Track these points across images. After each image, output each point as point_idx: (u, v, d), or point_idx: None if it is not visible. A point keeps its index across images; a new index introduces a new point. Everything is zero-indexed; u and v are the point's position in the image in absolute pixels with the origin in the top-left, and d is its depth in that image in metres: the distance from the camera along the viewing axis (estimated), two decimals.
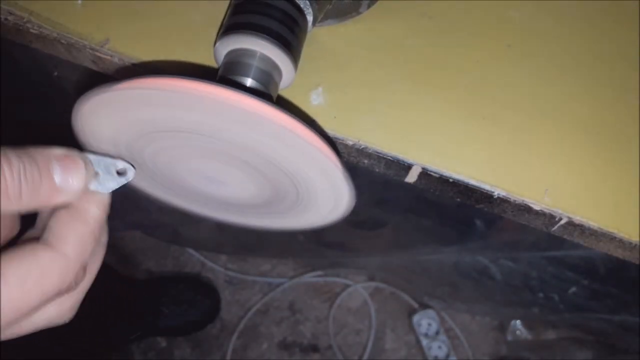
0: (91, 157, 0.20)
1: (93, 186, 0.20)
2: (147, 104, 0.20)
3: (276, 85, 0.28)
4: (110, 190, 0.21)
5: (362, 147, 0.31)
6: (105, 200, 0.21)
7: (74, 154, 0.19)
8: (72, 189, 0.19)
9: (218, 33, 0.28)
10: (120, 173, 0.21)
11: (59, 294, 0.19)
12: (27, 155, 0.18)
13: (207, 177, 0.27)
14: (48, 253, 0.19)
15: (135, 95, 0.20)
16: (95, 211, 0.20)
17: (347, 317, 1.01)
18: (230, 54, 0.27)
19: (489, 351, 0.99)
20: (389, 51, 0.34)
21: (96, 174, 0.21)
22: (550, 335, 0.94)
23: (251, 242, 0.95)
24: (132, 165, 0.21)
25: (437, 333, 0.97)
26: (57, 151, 0.19)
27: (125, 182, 0.21)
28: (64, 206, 0.20)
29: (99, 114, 0.22)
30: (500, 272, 0.75)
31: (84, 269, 0.20)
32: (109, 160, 0.21)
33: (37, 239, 0.19)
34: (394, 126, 0.32)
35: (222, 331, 0.99)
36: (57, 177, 0.19)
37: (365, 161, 0.32)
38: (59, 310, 0.20)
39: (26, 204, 0.18)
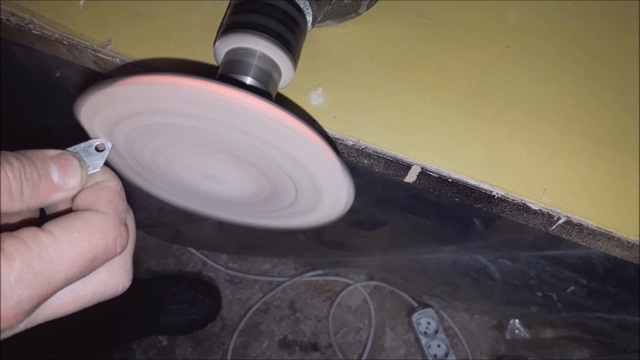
0: (70, 149, 0.22)
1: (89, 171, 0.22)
2: (146, 100, 0.21)
3: (275, 84, 0.28)
4: (98, 169, 0.22)
5: (362, 147, 0.31)
6: (109, 171, 0.22)
7: (67, 153, 0.21)
8: (70, 186, 0.20)
9: (218, 32, 0.28)
10: (98, 149, 0.23)
11: (107, 249, 0.20)
12: (25, 157, 0.19)
13: (207, 175, 0.27)
14: (87, 212, 0.20)
15: (135, 92, 0.20)
16: (110, 181, 0.22)
17: (347, 315, 1.01)
18: (230, 52, 0.27)
19: (488, 350, 0.99)
20: (389, 52, 0.34)
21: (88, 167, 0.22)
22: (549, 334, 0.94)
23: (252, 242, 0.96)
24: (106, 142, 0.23)
25: (436, 332, 0.98)
26: (52, 152, 0.20)
27: (107, 153, 0.23)
28: (63, 202, 0.21)
29: (97, 112, 0.22)
30: (499, 271, 0.75)
31: (124, 224, 0.21)
32: (83, 144, 0.23)
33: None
34: (394, 126, 0.32)
35: (223, 330, 0.99)
36: (55, 176, 0.20)
37: (365, 161, 0.32)
38: (110, 274, 0.21)
39: (27, 202, 0.19)
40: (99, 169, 0.22)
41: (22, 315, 0.17)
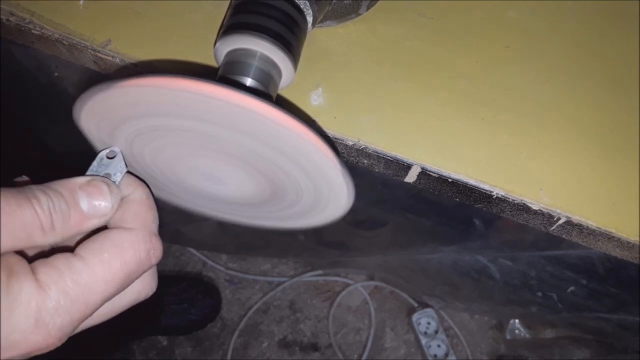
0: (89, 173, 0.22)
1: (115, 181, 0.22)
2: (146, 102, 0.21)
3: (276, 85, 0.28)
4: (125, 170, 0.22)
5: (362, 147, 0.31)
6: (132, 179, 0.22)
7: (95, 179, 0.21)
8: (100, 213, 0.20)
9: (218, 33, 0.28)
10: (110, 157, 0.23)
11: (140, 263, 0.20)
12: (52, 190, 0.19)
13: (207, 176, 0.27)
14: (114, 230, 0.20)
15: (135, 94, 0.20)
16: (136, 192, 0.22)
17: (347, 316, 1.01)
18: (230, 53, 0.27)
19: (488, 350, 0.99)
20: (389, 52, 0.34)
21: (107, 175, 0.22)
22: (549, 334, 0.94)
23: (252, 242, 0.96)
24: (111, 147, 0.23)
25: (436, 332, 0.98)
26: (79, 180, 0.20)
27: (121, 155, 0.23)
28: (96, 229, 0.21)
29: (97, 113, 0.22)
30: (499, 272, 0.75)
31: (154, 234, 0.21)
32: (96, 161, 0.23)
33: None
34: (394, 126, 0.32)
35: (222, 330, 0.99)
36: (84, 205, 0.20)
37: (365, 161, 0.32)
38: (142, 283, 0.22)
39: (60, 235, 0.19)
40: (125, 170, 0.22)
41: (65, 337, 0.18)
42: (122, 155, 0.23)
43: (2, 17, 0.33)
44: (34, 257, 0.20)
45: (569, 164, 0.32)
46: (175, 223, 0.89)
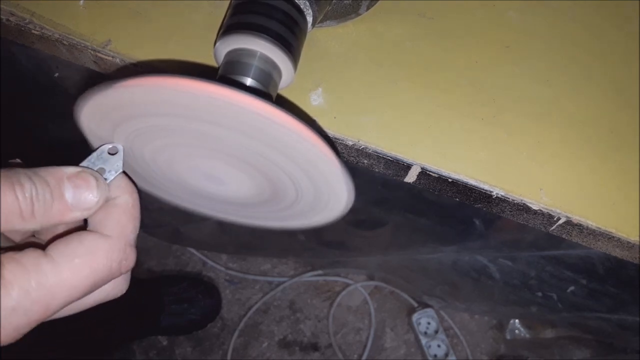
0: (84, 164, 0.22)
1: (108, 178, 0.22)
2: (146, 102, 0.21)
3: (276, 85, 0.28)
4: (121, 170, 0.22)
5: (362, 147, 0.31)
6: (125, 183, 0.22)
7: (85, 171, 0.20)
8: (85, 206, 0.20)
9: (218, 33, 0.28)
10: (111, 153, 0.23)
11: (111, 272, 0.20)
12: (38, 176, 0.19)
13: (207, 176, 0.27)
14: (91, 235, 0.20)
15: (134, 94, 0.20)
16: (123, 197, 0.22)
17: (347, 316, 1.01)
18: (230, 53, 0.27)
19: (488, 350, 0.99)
20: (389, 52, 0.34)
21: (101, 170, 0.22)
22: (549, 334, 0.94)
23: (252, 242, 0.96)
24: (115, 143, 0.23)
25: (436, 332, 0.98)
26: (68, 170, 0.20)
27: (122, 154, 0.23)
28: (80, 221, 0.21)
29: (98, 113, 0.22)
30: (499, 272, 0.75)
31: (130, 245, 0.21)
32: (96, 153, 0.22)
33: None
34: (394, 126, 0.32)
35: (222, 330, 0.99)
36: (69, 196, 0.20)
37: (365, 161, 0.32)
38: (111, 286, 0.22)
39: (40, 223, 0.19)
40: (120, 171, 0.22)
41: (18, 337, 0.18)
42: (123, 155, 0.23)
43: (2, 17, 0.33)
44: (6, 248, 0.19)
45: (569, 164, 0.32)
46: (175, 223, 0.89)
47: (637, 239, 0.31)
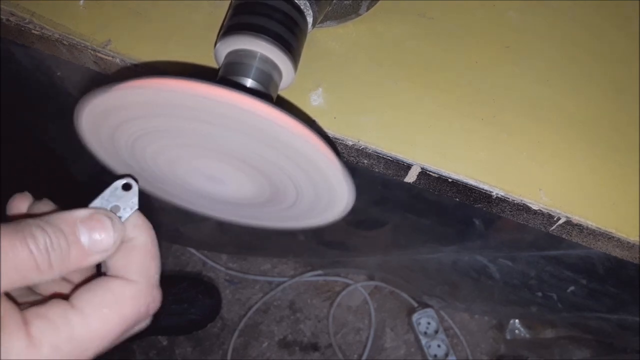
0: (97, 202, 0.21)
1: (123, 216, 0.21)
2: (147, 103, 0.21)
3: (276, 85, 0.28)
4: (136, 207, 0.21)
5: (362, 147, 0.31)
6: (141, 221, 0.21)
7: (99, 212, 0.20)
8: (102, 248, 0.19)
9: (218, 34, 0.28)
10: (125, 188, 0.21)
11: (139, 318, 0.20)
12: (50, 225, 0.18)
13: (207, 177, 0.27)
14: (116, 282, 0.19)
15: (135, 96, 0.20)
16: (141, 237, 0.21)
17: (347, 316, 1.01)
18: (231, 54, 0.27)
19: (488, 350, 0.99)
20: (389, 52, 0.34)
21: (115, 207, 0.21)
22: (549, 334, 0.94)
23: (252, 242, 0.96)
24: (128, 175, 0.22)
25: (436, 332, 0.98)
26: (81, 213, 0.19)
27: (137, 190, 0.22)
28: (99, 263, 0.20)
29: (99, 115, 0.22)
30: (499, 272, 0.75)
31: (156, 287, 0.20)
32: (109, 189, 0.21)
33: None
34: (394, 126, 0.32)
35: (222, 330, 0.99)
36: (85, 240, 0.19)
37: (365, 161, 0.32)
38: (139, 326, 0.21)
39: (58, 272, 0.18)
40: (136, 208, 0.21)
41: None
42: (138, 190, 0.21)
43: (2, 17, 0.33)
44: (30, 302, 0.19)
45: (569, 164, 0.32)
46: (175, 223, 0.89)
47: (637, 239, 0.31)
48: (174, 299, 0.94)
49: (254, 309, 1.00)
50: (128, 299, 0.19)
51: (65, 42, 0.33)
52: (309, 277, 1.03)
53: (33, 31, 0.33)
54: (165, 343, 0.97)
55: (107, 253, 0.19)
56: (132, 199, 0.21)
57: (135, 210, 0.21)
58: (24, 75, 0.56)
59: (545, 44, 0.37)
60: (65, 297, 0.19)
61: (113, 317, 0.19)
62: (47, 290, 0.21)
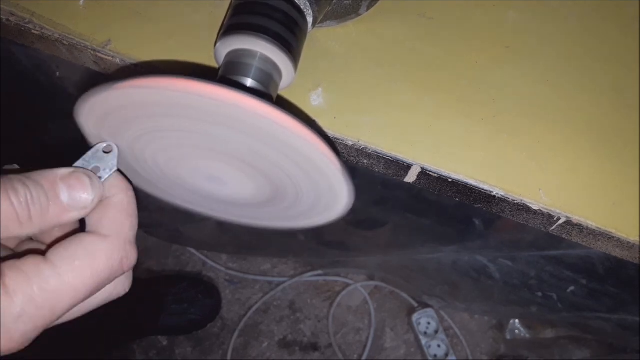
0: (78, 163, 0.22)
1: (102, 176, 0.22)
2: (146, 103, 0.21)
3: (276, 85, 0.28)
4: (115, 168, 0.22)
5: (362, 147, 0.31)
6: (119, 181, 0.22)
7: (78, 171, 0.20)
8: (81, 205, 0.20)
9: (218, 34, 0.28)
10: (106, 151, 0.23)
11: (113, 272, 0.20)
12: (31, 180, 0.19)
13: (208, 177, 0.27)
14: (89, 236, 0.20)
15: (135, 95, 0.20)
16: (119, 196, 0.22)
17: (347, 316, 1.01)
18: (231, 54, 0.27)
19: (488, 350, 0.99)
20: (389, 52, 0.34)
21: (96, 168, 0.22)
22: (549, 334, 0.94)
23: (252, 242, 0.96)
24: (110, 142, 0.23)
25: (436, 332, 0.98)
26: (62, 171, 0.20)
27: (117, 152, 0.23)
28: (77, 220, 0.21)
29: (99, 114, 0.22)
30: (499, 272, 0.75)
31: (129, 242, 0.21)
32: (90, 152, 0.22)
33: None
34: (394, 126, 0.32)
35: (222, 330, 0.99)
36: (64, 197, 0.20)
37: (365, 161, 0.32)
38: (114, 285, 0.22)
39: (37, 226, 0.19)
40: (115, 169, 0.22)
41: (27, 342, 0.18)
42: (118, 153, 0.23)
43: (2, 17, 0.33)
44: (6, 257, 0.20)
45: (568, 164, 0.32)
46: (175, 223, 0.89)
47: (637, 239, 0.31)
48: (174, 299, 0.94)
49: (254, 309, 1.00)
50: (100, 252, 0.20)
51: (65, 42, 0.33)
52: (309, 277, 1.03)
53: (33, 31, 0.33)
54: (165, 343, 0.97)
55: (85, 210, 0.20)
56: (111, 161, 0.22)
57: (115, 171, 0.22)
58: (24, 75, 0.56)
59: (545, 44, 0.37)
60: (41, 253, 0.19)
61: (85, 269, 0.19)
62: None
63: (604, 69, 0.36)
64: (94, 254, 0.19)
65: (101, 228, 0.20)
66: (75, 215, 0.20)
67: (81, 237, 0.20)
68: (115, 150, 0.23)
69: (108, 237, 0.20)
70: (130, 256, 0.21)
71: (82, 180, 0.20)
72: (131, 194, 0.22)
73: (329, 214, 0.27)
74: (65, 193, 0.20)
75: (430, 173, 0.31)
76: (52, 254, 0.19)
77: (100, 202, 0.21)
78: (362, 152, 0.31)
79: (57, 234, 0.22)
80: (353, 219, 0.79)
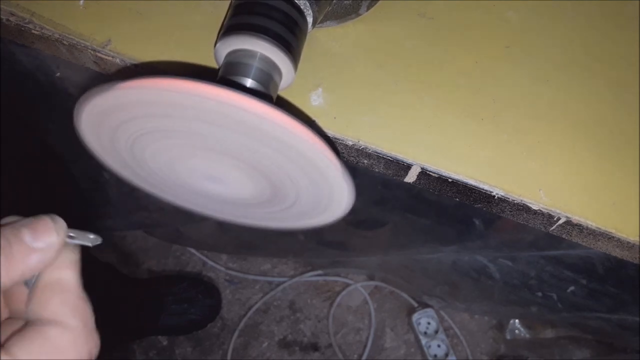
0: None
1: (73, 239, 0.21)
2: (146, 104, 0.21)
3: (276, 85, 0.28)
4: (89, 244, 0.21)
5: (362, 147, 0.31)
6: (74, 258, 0.20)
7: (41, 216, 0.19)
8: (45, 245, 0.19)
9: (218, 34, 0.28)
10: (90, 237, 0.22)
11: None
12: None
13: (207, 177, 0.27)
14: (53, 330, 0.18)
15: (135, 95, 0.20)
16: (70, 274, 0.20)
17: (347, 316, 1.01)
18: (231, 54, 0.27)
19: (488, 350, 0.99)
20: (389, 52, 0.34)
21: (70, 237, 0.21)
22: (549, 334, 0.94)
23: (252, 242, 0.96)
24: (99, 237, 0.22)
25: (436, 332, 0.98)
26: (25, 220, 0.19)
27: (96, 243, 0.22)
28: (45, 266, 0.19)
29: (99, 115, 0.22)
30: (498, 272, 0.75)
31: (93, 329, 0.20)
32: (80, 231, 0.21)
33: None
34: (394, 126, 0.32)
35: (222, 330, 0.99)
36: (28, 238, 0.19)
37: (365, 161, 0.32)
38: None
39: (5, 274, 0.18)
40: (87, 244, 0.21)
41: None
42: (90, 247, 0.21)
43: (2, 17, 0.33)
44: None
45: (569, 164, 0.32)
46: (175, 223, 0.89)
47: (637, 239, 0.31)
48: (174, 299, 0.94)
49: (254, 309, 1.00)
50: (68, 346, 0.18)
51: (65, 42, 0.33)
52: (309, 277, 1.03)
53: (33, 31, 0.33)
54: (165, 343, 0.97)
55: (50, 252, 0.19)
56: (86, 237, 0.21)
57: (84, 245, 0.21)
58: (24, 75, 0.56)
59: (546, 43, 0.37)
60: None
61: None
62: None
63: (605, 69, 0.36)
64: (62, 350, 0.18)
65: (63, 316, 0.19)
66: (40, 258, 0.19)
67: (43, 330, 0.18)
68: (98, 242, 0.21)
69: (74, 328, 0.19)
70: (96, 343, 0.20)
71: (44, 221, 0.19)
72: (78, 272, 0.21)
73: (329, 214, 0.27)
74: (27, 235, 0.18)
75: (430, 173, 0.31)
76: (14, 347, 0.17)
77: (53, 282, 0.19)
78: (362, 152, 0.31)
79: (15, 327, 0.20)
80: (353, 219, 0.79)
